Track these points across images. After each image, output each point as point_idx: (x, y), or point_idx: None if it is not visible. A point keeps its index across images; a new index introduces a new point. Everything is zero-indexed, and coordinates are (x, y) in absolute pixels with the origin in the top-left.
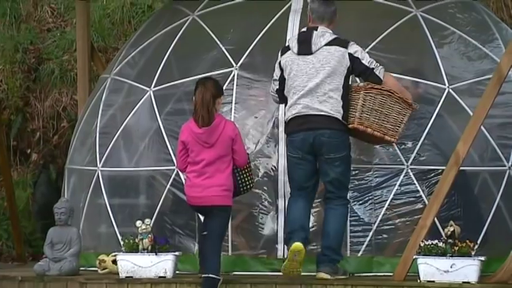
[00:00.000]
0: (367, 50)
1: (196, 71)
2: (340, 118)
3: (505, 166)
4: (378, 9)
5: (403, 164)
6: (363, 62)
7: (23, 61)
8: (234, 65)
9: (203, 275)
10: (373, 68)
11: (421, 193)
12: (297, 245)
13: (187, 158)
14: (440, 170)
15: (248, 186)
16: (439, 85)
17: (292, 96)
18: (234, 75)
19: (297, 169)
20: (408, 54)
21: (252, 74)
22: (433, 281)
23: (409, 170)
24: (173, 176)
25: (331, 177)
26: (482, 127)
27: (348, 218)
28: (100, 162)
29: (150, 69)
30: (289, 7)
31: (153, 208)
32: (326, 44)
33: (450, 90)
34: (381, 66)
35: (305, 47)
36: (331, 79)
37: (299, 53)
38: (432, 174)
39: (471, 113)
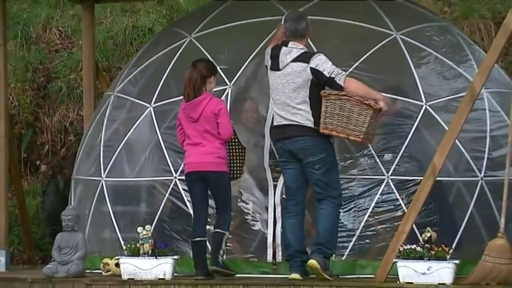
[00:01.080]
0: (350, 70)
1: None
2: (312, 125)
3: (477, 177)
4: (360, 32)
5: (383, 175)
6: (324, 73)
7: (33, 80)
8: (228, 83)
9: (212, 230)
10: (333, 78)
11: (400, 201)
12: (293, 276)
13: (184, 134)
14: (418, 180)
15: (237, 170)
16: (417, 102)
17: (272, 107)
18: (228, 93)
19: (285, 172)
20: (389, 74)
21: (244, 91)
22: (412, 283)
23: (390, 180)
24: (172, 185)
25: (315, 179)
26: (456, 141)
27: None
28: (104, 173)
29: (150, 87)
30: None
31: (153, 215)
32: (292, 61)
33: (427, 106)
34: (341, 74)
35: (275, 63)
36: (297, 93)
37: (271, 69)
38: (411, 184)
39: (446, 128)
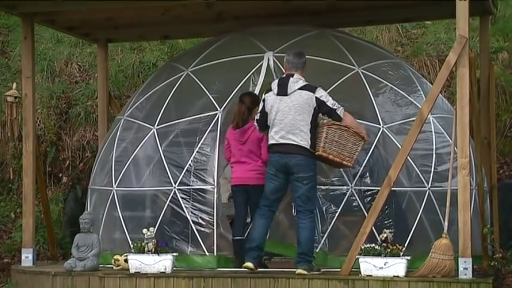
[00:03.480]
0: None
1: (190, 113)
2: (308, 147)
3: (425, 187)
4: (328, 67)
5: (348, 185)
6: (328, 104)
7: (56, 106)
8: (219, 109)
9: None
10: (335, 109)
11: (362, 207)
12: (247, 264)
13: (231, 152)
14: (376, 190)
15: None
16: (375, 125)
17: (272, 128)
18: (218, 117)
19: (269, 183)
20: (352, 102)
21: (232, 116)
22: (371, 275)
23: (353, 190)
24: (171, 194)
25: (300, 193)
26: (408, 157)
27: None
28: (115, 184)
29: (154, 112)
30: (260, 66)
31: (156, 219)
32: (299, 89)
33: (384, 129)
34: (341, 107)
35: (282, 90)
36: (301, 117)
37: (278, 94)
38: (370, 193)
39: (400, 147)
